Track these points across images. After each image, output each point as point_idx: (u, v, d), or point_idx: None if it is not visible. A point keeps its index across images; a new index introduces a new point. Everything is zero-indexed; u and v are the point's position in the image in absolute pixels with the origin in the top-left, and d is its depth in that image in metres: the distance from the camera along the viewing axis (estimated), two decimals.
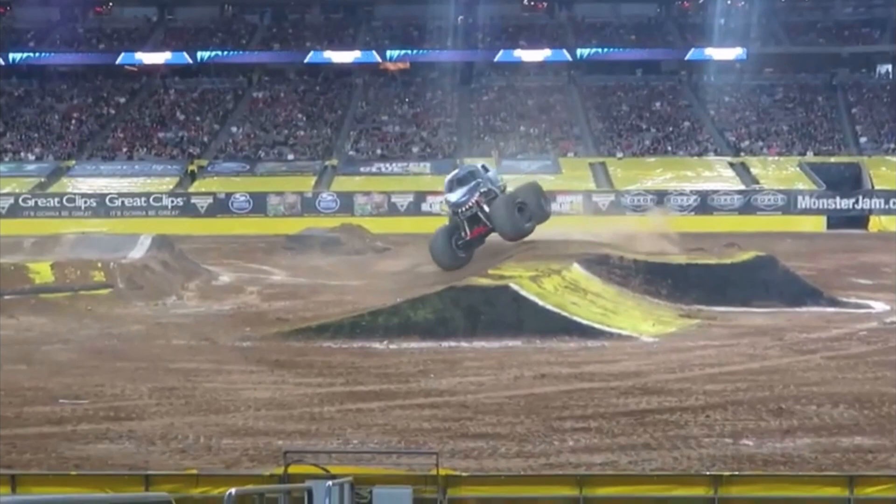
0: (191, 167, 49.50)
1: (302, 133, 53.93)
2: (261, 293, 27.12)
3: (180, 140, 53.32)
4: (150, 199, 45.21)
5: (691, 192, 45.76)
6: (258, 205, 44.93)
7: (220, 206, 44.85)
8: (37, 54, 57.47)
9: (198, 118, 56.08)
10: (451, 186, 25.55)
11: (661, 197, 45.01)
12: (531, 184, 26.26)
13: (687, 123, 55.21)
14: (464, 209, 24.86)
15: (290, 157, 51.32)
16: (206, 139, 53.77)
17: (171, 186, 47.25)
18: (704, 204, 44.96)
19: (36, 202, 44.99)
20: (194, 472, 9.20)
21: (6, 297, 24.81)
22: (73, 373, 17.21)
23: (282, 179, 47.52)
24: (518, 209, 24.34)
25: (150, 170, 49.53)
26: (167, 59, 58.99)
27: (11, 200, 44.80)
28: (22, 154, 51.66)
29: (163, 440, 12.76)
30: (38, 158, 51.12)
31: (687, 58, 59.42)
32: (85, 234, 34.12)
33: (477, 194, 24.93)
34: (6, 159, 51.01)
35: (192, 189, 47.10)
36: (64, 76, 58.69)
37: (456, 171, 27.76)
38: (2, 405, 14.90)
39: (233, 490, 4.78)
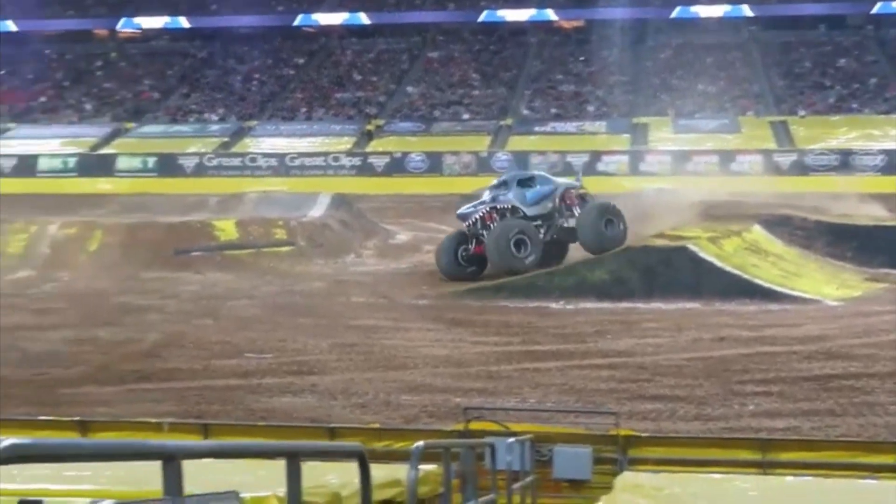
0: (368, 127, 50.34)
1: (476, 93, 54.11)
2: None
3: (357, 100, 54.24)
4: (329, 159, 46.17)
5: (878, 151, 43.92)
6: (433, 164, 45.33)
7: (397, 166, 45.46)
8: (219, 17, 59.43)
9: (374, 78, 56.92)
10: (492, 189, 23.36)
11: (845, 156, 43.33)
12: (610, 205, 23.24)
13: (874, 80, 52.88)
14: (469, 223, 22.72)
15: (465, 116, 51.59)
16: (382, 99, 54.55)
17: (348, 146, 48.14)
18: (892, 164, 43.08)
19: (220, 162, 46.57)
20: (376, 426, 9.44)
21: (193, 253, 25.89)
22: (257, 328, 17.85)
23: (457, 139, 47.81)
24: (607, 222, 22.22)
25: (329, 130, 50.56)
26: (344, 20, 60.02)
27: (197, 160, 46.48)
28: (206, 115, 53.53)
29: (343, 395, 13.11)
30: (222, 119, 52.86)
31: (874, 11, 56.80)
32: (266, 193, 35.18)
33: (484, 209, 22.66)
34: (191, 120, 52.96)
35: (368, 149, 47.90)
36: (245, 38, 60.40)
37: (510, 174, 25.04)
38: (191, 358, 15.59)
39: (421, 443, 4.87)
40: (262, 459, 4.43)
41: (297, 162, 46.03)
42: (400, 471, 5.20)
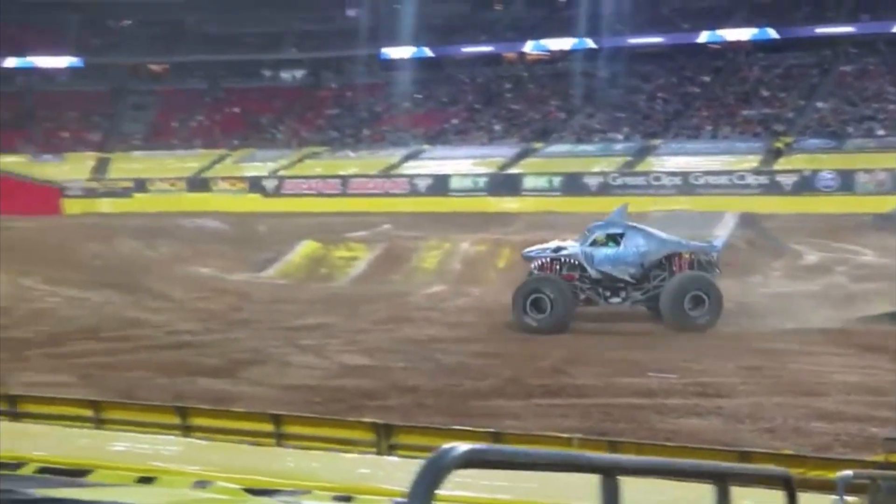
0: (776, 144, 48.86)
1: (893, 107, 50.97)
2: (849, 274, 26.13)
3: (764, 117, 52.80)
4: (734, 177, 45.32)
5: None
6: (845, 182, 43.25)
7: (806, 184, 43.82)
8: (620, 37, 60.01)
9: (782, 94, 55.16)
10: (585, 235, 21.03)
11: None
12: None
13: None
14: (532, 268, 20.88)
15: (880, 132, 48.75)
16: (790, 115, 52.78)
17: (754, 164, 46.97)
18: None
19: (624, 181, 47.00)
20: (789, 452, 9.16)
21: None
22: (661, 346, 17.85)
23: (871, 156, 45.28)
24: (694, 298, 19.46)
25: (734, 147, 49.59)
26: (752, 36, 58.68)
27: (601, 179, 47.23)
28: (610, 134, 54.24)
29: (750, 419, 12.82)
30: (626, 138, 53.35)
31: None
32: (671, 212, 35.03)
33: (546, 258, 20.70)
34: (596, 139, 53.87)
35: (776, 166, 46.50)
36: (649, 57, 60.59)
37: (598, 224, 21.47)
38: (595, 374, 15.86)
39: (849, 472, 4.69)
40: (684, 481, 4.45)
41: (702, 180, 45.52)
42: (823, 500, 5.04)
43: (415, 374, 16.16)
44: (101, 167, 57.76)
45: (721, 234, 22.03)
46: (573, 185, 47.29)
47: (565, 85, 60.79)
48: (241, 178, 53.88)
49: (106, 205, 52.92)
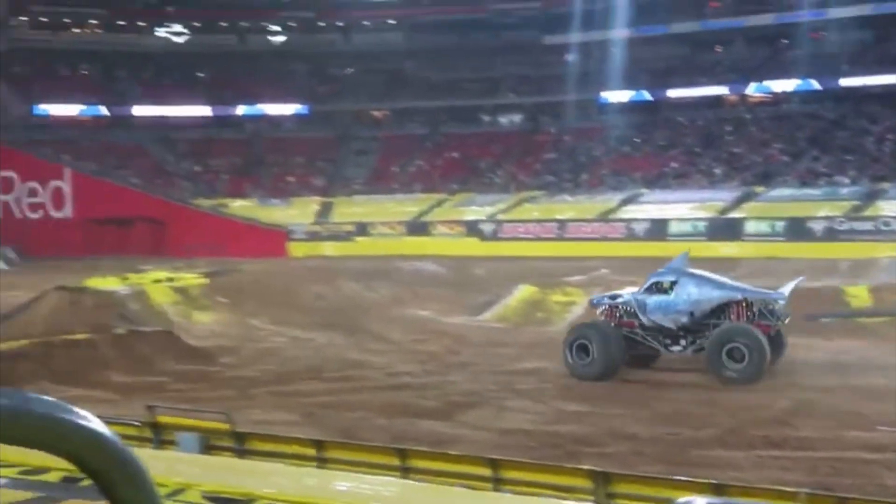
0: None
1: None
2: None
3: None
4: None
5: None
6: None
7: None
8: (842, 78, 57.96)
9: None
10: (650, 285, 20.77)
11: None
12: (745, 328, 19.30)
13: None
14: (598, 313, 21.24)
15: None
16: None
17: None
18: None
19: (851, 226, 45.22)
20: None
21: (823, 319, 25.35)
22: (890, 400, 17.03)
23: None
24: (732, 350, 18.83)
25: None
26: None
27: (826, 223, 45.58)
28: (836, 177, 52.29)
29: None
30: (852, 181, 51.32)
31: None
32: None
33: (606, 305, 20.99)
34: (821, 183, 52.03)
35: None
36: (877, 98, 58.19)
37: (657, 272, 21.23)
38: (821, 427, 15.27)
39: None
40: None
41: None
42: None
43: (631, 421, 15.99)
44: (324, 211, 59.83)
45: (793, 281, 21.01)
46: (797, 230, 45.79)
47: (788, 127, 59.14)
48: (460, 222, 54.67)
49: (329, 247, 54.68)
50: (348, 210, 59.14)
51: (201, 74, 72.70)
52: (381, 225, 55.92)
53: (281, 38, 74.06)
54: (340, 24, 72.48)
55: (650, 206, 51.74)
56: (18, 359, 20.01)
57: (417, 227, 55.28)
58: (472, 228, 53.81)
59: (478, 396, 18.31)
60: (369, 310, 30.82)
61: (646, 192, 54.64)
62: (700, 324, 20.05)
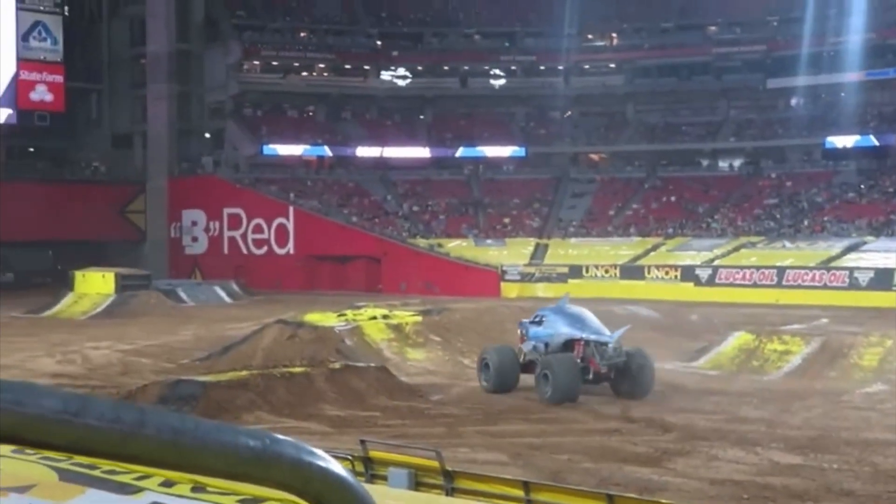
0: None
1: None
2: None
3: None
4: None
5: None
6: None
7: None
8: None
9: None
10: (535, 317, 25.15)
11: None
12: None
13: None
14: None
15: None
16: None
17: None
18: None
19: None
20: None
21: None
22: None
23: None
24: (544, 377, 22.44)
25: None
26: None
27: None
28: None
29: None
30: None
31: None
32: None
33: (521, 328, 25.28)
34: None
35: None
36: None
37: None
38: None
39: None
40: None
41: None
42: None
43: (850, 477, 15.30)
44: (538, 252, 60.02)
45: (622, 329, 24.19)
46: None
47: None
48: (675, 267, 53.83)
49: (541, 289, 54.75)
50: (562, 252, 59.14)
51: (422, 116, 74.53)
52: (594, 268, 55.63)
53: (501, 82, 75.06)
54: (560, 67, 72.88)
55: (875, 255, 49.50)
56: (239, 388, 20.88)
57: (632, 271, 54.74)
58: (688, 273, 52.85)
59: (688, 444, 17.93)
60: None
61: (871, 240, 52.37)
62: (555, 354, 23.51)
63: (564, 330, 23.84)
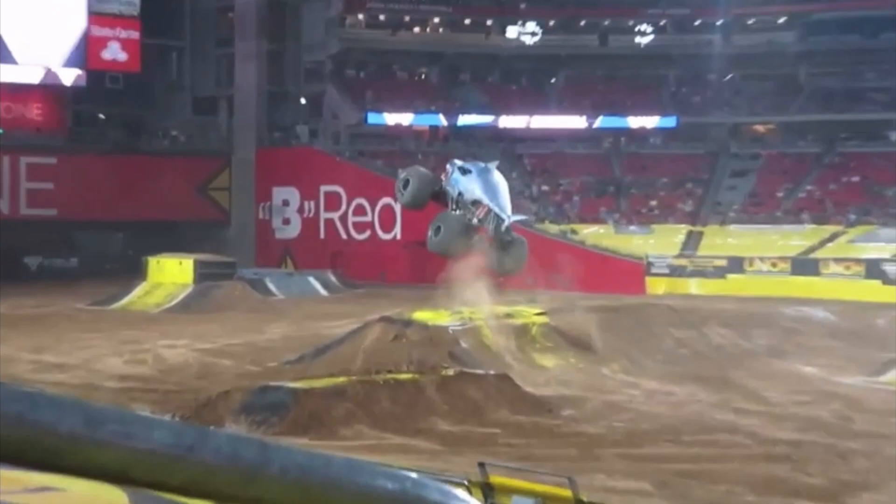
0: None
1: None
2: None
3: None
4: None
5: None
6: None
7: None
8: None
9: None
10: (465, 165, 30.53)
11: None
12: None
13: None
14: None
15: None
16: None
17: None
18: None
19: None
20: None
21: None
22: None
23: None
24: (436, 230, 29.91)
25: None
26: None
27: None
28: None
29: None
30: None
31: None
32: None
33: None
34: None
35: None
36: None
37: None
38: None
39: None
40: None
41: None
42: None
43: None
44: (691, 241, 59.25)
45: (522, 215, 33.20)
46: None
47: None
48: (857, 261, 52.68)
49: (694, 285, 54.12)
50: (720, 241, 58.36)
51: (554, 80, 74.16)
52: (759, 260, 54.77)
53: (648, 39, 74.21)
54: (719, 22, 71.75)
55: None
56: (335, 397, 20.88)
57: (805, 265, 53.79)
58: (874, 268, 51.69)
59: (874, 476, 17.39)
60: (741, 362, 30.27)
61: None
62: (465, 204, 29.53)
63: (478, 192, 29.35)
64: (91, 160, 63.79)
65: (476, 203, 29.37)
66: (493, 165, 30.78)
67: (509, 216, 29.30)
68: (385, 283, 56.48)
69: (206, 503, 1.53)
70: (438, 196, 31.00)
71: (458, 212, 30.05)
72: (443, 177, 31.08)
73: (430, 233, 30.27)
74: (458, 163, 30.81)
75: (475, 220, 29.40)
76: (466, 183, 29.72)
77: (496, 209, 29.03)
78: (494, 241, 29.62)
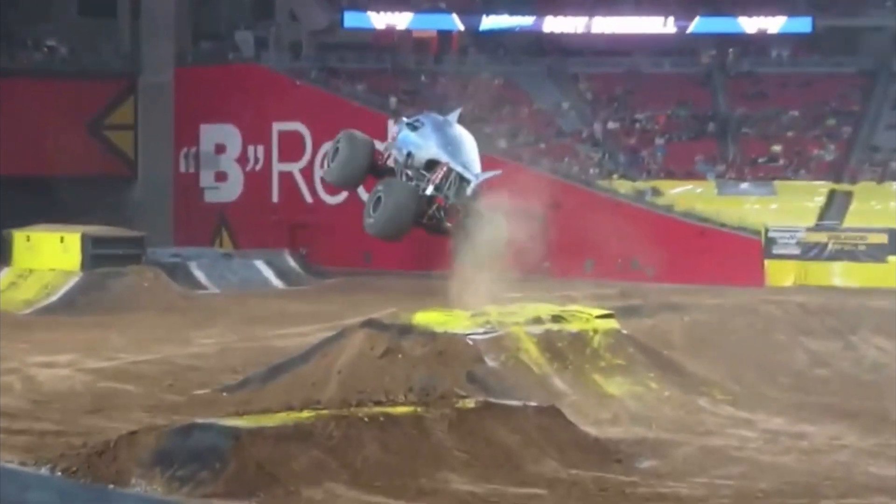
0: None
1: None
2: None
3: None
4: None
5: None
6: None
7: None
8: None
9: None
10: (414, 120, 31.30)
11: None
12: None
13: None
14: None
15: None
16: None
17: None
18: None
19: None
20: None
21: None
22: None
23: None
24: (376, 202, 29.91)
25: None
26: None
27: None
28: None
29: None
30: None
31: None
32: None
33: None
34: None
35: None
36: None
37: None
38: None
39: None
40: None
41: None
42: None
43: None
44: (834, 206, 59.14)
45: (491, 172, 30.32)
46: None
47: None
48: None
49: (839, 271, 54.22)
50: (878, 206, 58.36)
51: None
52: None
53: None
54: None
55: None
56: (296, 442, 20.57)
57: None
58: None
59: None
60: None
61: None
62: (416, 170, 30.18)
63: (434, 148, 30.19)
64: None
65: (432, 164, 30.05)
66: (453, 117, 31.63)
67: (477, 175, 29.79)
68: (371, 270, 56.52)
69: None
70: (379, 170, 31.62)
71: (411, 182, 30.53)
72: (387, 143, 31.94)
73: (367, 208, 30.44)
74: (405, 119, 31.67)
75: (430, 188, 29.73)
76: (417, 139, 30.52)
77: (458, 168, 29.67)
78: (459, 216, 30.16)
